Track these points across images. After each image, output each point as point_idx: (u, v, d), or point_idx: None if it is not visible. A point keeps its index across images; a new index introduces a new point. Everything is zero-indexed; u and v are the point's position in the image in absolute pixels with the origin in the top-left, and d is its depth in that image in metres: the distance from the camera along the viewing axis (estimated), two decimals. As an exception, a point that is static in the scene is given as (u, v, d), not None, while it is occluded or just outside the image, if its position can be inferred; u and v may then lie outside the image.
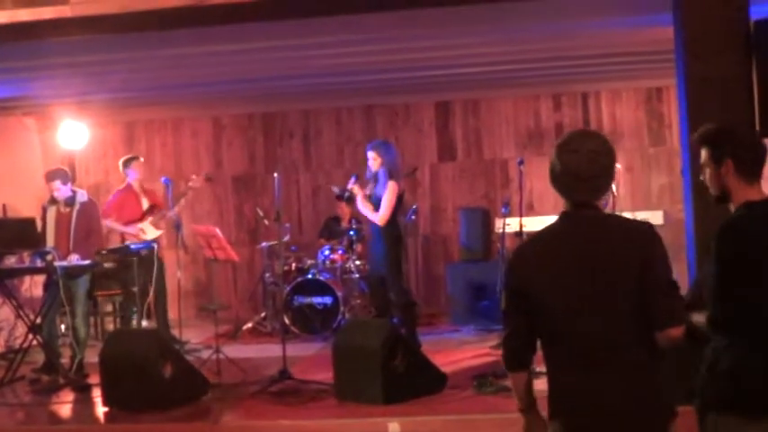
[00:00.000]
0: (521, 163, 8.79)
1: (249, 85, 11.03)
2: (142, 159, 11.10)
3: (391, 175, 9.09)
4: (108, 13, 6.98)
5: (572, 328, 3.50)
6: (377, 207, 9.06)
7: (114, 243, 11.12)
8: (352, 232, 11.52)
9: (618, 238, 3.52)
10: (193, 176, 11.10)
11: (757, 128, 6.64)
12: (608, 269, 3.45)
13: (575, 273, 3.48)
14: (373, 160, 9.13)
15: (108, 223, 10.58)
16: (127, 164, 10.81)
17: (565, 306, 3.49)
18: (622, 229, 3.57)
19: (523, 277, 3.59)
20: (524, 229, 9.12)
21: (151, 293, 9.87)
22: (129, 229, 10.54)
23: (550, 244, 3.58)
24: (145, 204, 10.71)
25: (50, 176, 9.61)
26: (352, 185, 9.24)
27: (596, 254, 3.47)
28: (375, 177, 9.17)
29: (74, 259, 9.33)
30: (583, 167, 3.48)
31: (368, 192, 9.20)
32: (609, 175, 3.57)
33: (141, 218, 10.59)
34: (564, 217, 3.59)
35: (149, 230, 10.50)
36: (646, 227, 3.59)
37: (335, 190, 9.76)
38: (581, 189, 3.51)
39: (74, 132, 12.86)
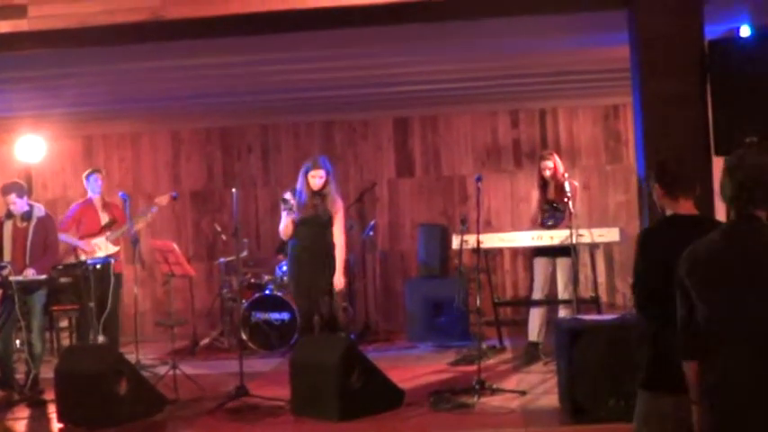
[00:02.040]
0: (479, 179, 8.81)
1: (208, 99, 11.01)
2: (104, 173, 11.02)
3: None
4: (66, 27, 6.95)
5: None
6: (325, 226, 9.04)
7: (70, 258, 11.00)
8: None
9: None
10: (159, 195, 11.05)
11: (712, 146, 6.74)
12: None
13: None
14: (320, 178, 9.01)
15: (62, 237, 10.45)
16: (88, 177, 10.72)
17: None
18: None
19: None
20: (482, 246, 9.12)
21: (108, 309, 9.78)
22: (82, 244, 10.42)
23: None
24: (104, 219, 10.59)
25: (6, 190, 9.53)
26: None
27: None
28: (320, 195, 9.04)
29: (30, 274, 9.27)
30: None
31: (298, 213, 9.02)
32: None
33: (99, 232, 10.49)
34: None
35: (104, 246, 10.40)
36: None
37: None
38: None
39: (31, 146, 12.77)
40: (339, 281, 9.08)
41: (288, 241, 9.19)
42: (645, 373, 4.40)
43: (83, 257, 10.30)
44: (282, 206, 8.99)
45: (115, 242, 10.46)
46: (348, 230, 9.86)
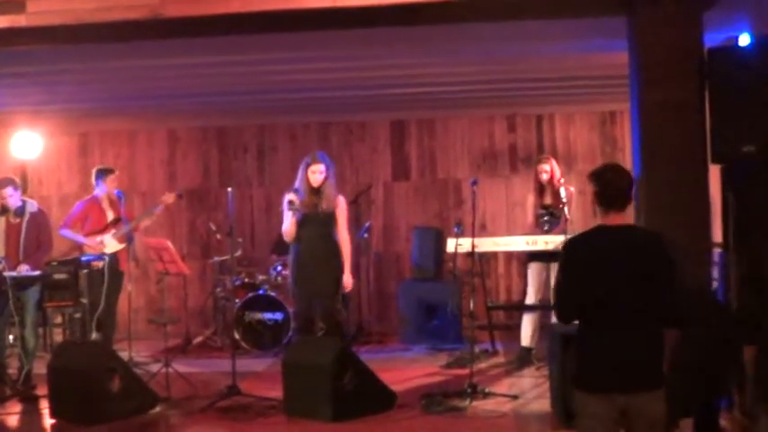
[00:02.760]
0: (474, 183, 8.81)
1: (205, 98, 11.00)
2: (117, 173, 10.90)
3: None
4: (63, 23, 6.94)
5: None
6: (327, 224, 8.80)
7: (75, 254, 10.92)
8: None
9: None
10: (166, 192, 10.98)
11: (709, 153, 6.75)
12: None
13: None
14: (321, 174, 8.73)
15: (67, 233, 10.39)
16: (102, 175, 10.52)
17: None
18: None
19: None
20: (477, 250, 9.11)
21: (101, 306, 9.74)
22: (88, 241, 10.34)
23: None
24: (110, 216, 10.52)
25: (0, 184, 9.54)
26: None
27: None
28: (319, 192, 8.73)
29: (24, 269, 9.26)
30: None
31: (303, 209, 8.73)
32: None
33: (104, 229, 10.41)
34: None
35: (110, 244, 10.31)
36: None
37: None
38: None
39: (27, 142, 12.75)
40: (348, 281, 8.78)
41: (289, 243, 8.94)
42: (574, 373, 4.87)
43: (89, 254, 10.21)
44: (288, 208, 8.66)
45: (120, 239, 10.35)
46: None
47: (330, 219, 8.75)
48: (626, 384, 4.59)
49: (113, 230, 10.34)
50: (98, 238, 10.28)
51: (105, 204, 10.49)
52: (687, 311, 5.01)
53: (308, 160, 8.80)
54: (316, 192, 8.69)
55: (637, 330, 4.62)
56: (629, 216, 5.12)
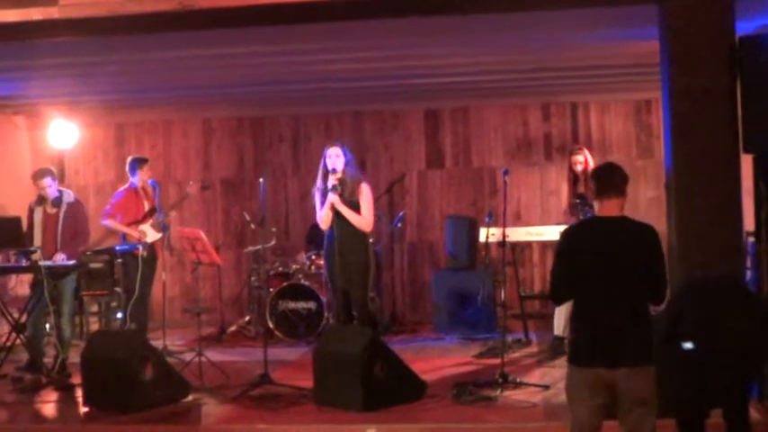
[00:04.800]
0: (505, 173, 8.77)
1: (239, 89, 11.04)
2: (150, 162, 10.97)
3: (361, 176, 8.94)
4: (96, 15, 7.01)
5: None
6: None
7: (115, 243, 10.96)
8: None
9: None
10: (191, 182, 11.00)
11: (740, 142, 6.71)
12: None
13: None
14: (336, 157, 8.74)
15: (110, 223, 10.45)
16: (137, 165, 10.56)
17: None
18: None
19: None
20: (508, 239, 9.08)
21: (135, 295, 9.81)
22: (132, 231, 10.38)
23: None
24: (146, 206, 10.58)
25: (39, 175, 9.66)
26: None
27: None
28: (341, 181, 8.70)
29: (60, 259, 9.36)
30: None
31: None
32: None
33: (143, 219, 10.47)
34: None
35: (150, 233, 10.36)
36: None
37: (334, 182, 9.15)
38: None
39: (64, 132, 12.84)
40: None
41: (325, 230, 8.90)
42: (569, 349, 5.32)
43: (126, 244, 10.26)
44: (333, 192, 8.61)
45: (157, 228, 10.39)
46: (377, 221, 9.74)
47: (354, 208, 8.74)
48: (609, 360, 4.99)
49: (150, 220, 10.39)
50: (140, 227, 10.33)
51: (142, 194, 10.55)
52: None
53: (326, 147, 8.90)
54: (338, 180, 8.69)
55: (622, 310, 5.05)
56: (628, 211, 5.28)
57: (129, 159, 10.73)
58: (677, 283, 6.59)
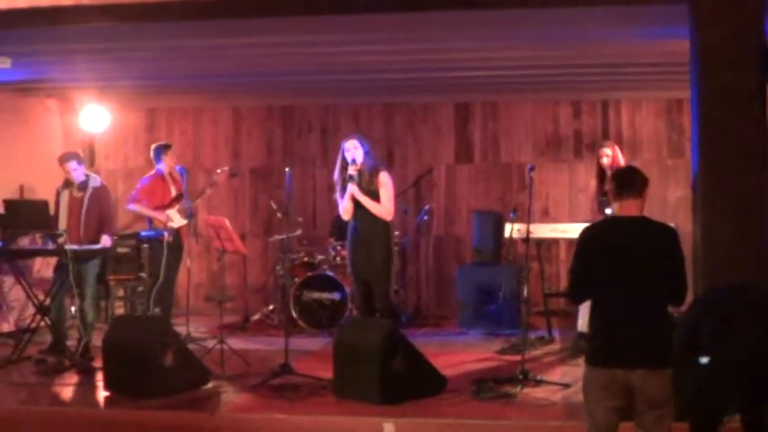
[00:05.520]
0: (531, 169, 8.70)
1: (270, 77, 11.05)
2: (174, 148, 11.03)
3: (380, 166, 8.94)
4: (126, 2, 7.03)
5: None
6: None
7: (142, 228, 11.02)
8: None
9: None
10: (218, 171, 11.02)
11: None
12: None
13: None
14: (354, 149, 8.76)
15: (137, 208, 10.53)
16: (161, 151, 10.69)
17: None
18: None
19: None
20: (533, 236, 9.03)
21: (160, 280, 9.86)
22: (158, 215, 10.45)
23: None
24: (173, 192, 10.64)
25: (65, 158, 9.71)
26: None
27: None
28: (359, 172, 8.74)
29: (105, 240, 9.46)
30: None
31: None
32: None
33: (169, 204, 10.51)
34: None
35: (176, 218, 10.40)
36: None
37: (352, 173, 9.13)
38: None
39: (95, 116, 12.88)
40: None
41: (347, 220, 8.93)
42: (586, 349, 5.35)
43: (151, 229, 10.32)
44: (351, 183, 8.66)
45: (183, 214, 10.42)
46: (403, 214, 9.71)
47: (374, 197, 8.74)
48: (625, 361, 4.99)
49: (177, 206, 10.44)
50: (167, 212, 10.38)
51: (168, 180, 10.60)
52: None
53: (342, 142, 8.91)
54: (356, 172, 8.72)
55: (640, 311, 5.04)
56: (649, 213, 5.36)
57: (152, 147, 10.81)
58: (700, 285, 6.55)
